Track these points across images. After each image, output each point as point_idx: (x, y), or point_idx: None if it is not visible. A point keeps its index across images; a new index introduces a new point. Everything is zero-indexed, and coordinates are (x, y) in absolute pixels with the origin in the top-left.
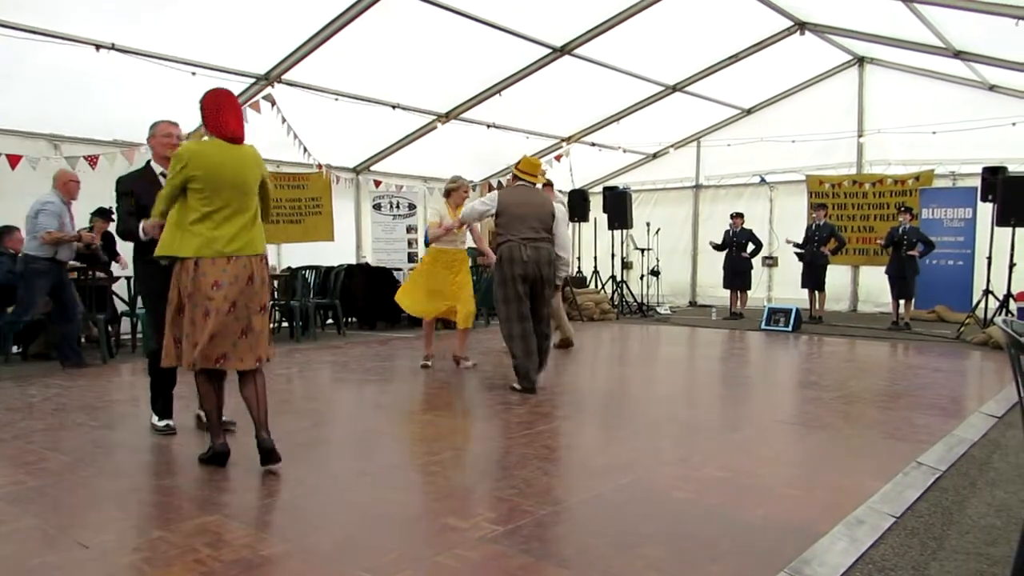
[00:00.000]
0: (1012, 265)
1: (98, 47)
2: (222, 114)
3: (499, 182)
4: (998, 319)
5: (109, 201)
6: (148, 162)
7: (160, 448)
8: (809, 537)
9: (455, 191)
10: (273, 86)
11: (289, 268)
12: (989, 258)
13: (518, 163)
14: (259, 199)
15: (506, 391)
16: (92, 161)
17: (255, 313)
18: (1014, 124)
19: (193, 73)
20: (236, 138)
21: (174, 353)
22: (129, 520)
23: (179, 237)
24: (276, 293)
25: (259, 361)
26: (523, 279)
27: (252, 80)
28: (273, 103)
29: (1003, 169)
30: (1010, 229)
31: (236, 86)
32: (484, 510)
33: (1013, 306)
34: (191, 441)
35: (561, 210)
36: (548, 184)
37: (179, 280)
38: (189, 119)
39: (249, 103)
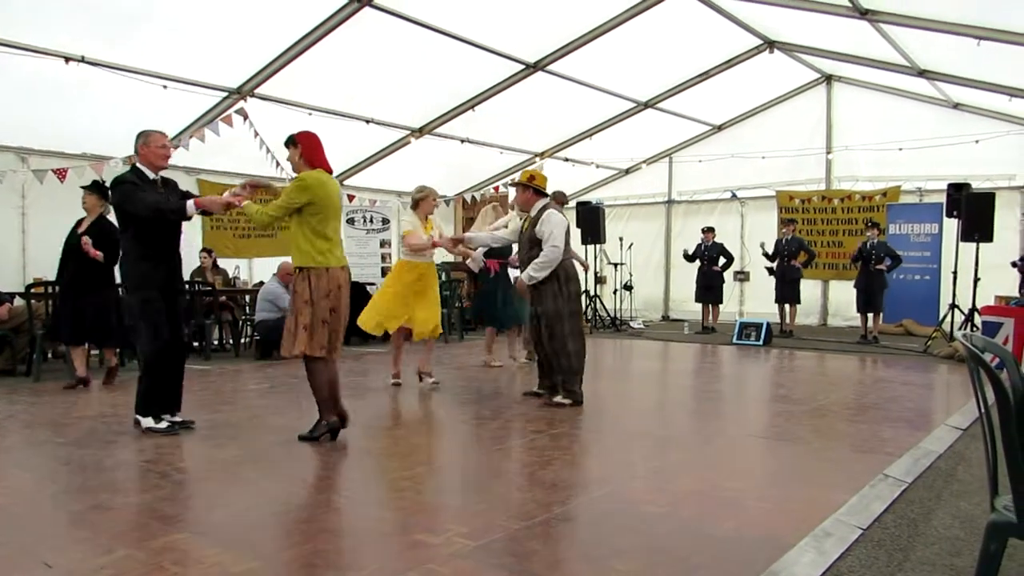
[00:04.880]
0: (977, 280)
1: (67, 59)
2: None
3: (473, 197)
4: (958, 333)
5: (80, 213)
6: (135, 167)
7: (127, 465)
8: (778, 549)
9: (423, 200)
10: (246, 100)
11: (262, 282)
12: (955, 273)
13: (532, 179)
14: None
15: (479, 405)
16: (61, 174)
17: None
18: (977, 141)
19: (164, 86)
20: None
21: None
22: (95, 539)
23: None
24: (247, 307)
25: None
26: (578, 295)
27: (224, 94)
28: (246, 117)
29: (967, 186)
30: (974, 244)
31: (208, 100)
32: (456, 525)
33: (978, 320)
34: (159, 458)
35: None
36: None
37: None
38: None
39: (221, 117)
